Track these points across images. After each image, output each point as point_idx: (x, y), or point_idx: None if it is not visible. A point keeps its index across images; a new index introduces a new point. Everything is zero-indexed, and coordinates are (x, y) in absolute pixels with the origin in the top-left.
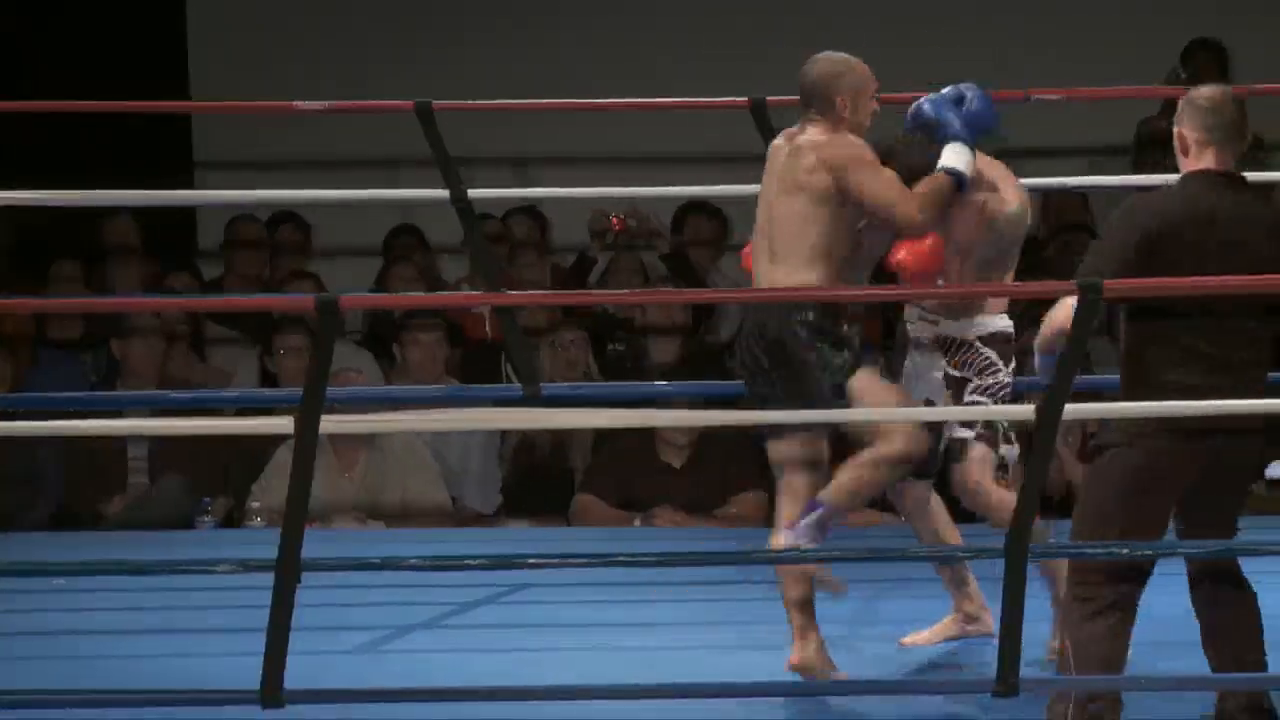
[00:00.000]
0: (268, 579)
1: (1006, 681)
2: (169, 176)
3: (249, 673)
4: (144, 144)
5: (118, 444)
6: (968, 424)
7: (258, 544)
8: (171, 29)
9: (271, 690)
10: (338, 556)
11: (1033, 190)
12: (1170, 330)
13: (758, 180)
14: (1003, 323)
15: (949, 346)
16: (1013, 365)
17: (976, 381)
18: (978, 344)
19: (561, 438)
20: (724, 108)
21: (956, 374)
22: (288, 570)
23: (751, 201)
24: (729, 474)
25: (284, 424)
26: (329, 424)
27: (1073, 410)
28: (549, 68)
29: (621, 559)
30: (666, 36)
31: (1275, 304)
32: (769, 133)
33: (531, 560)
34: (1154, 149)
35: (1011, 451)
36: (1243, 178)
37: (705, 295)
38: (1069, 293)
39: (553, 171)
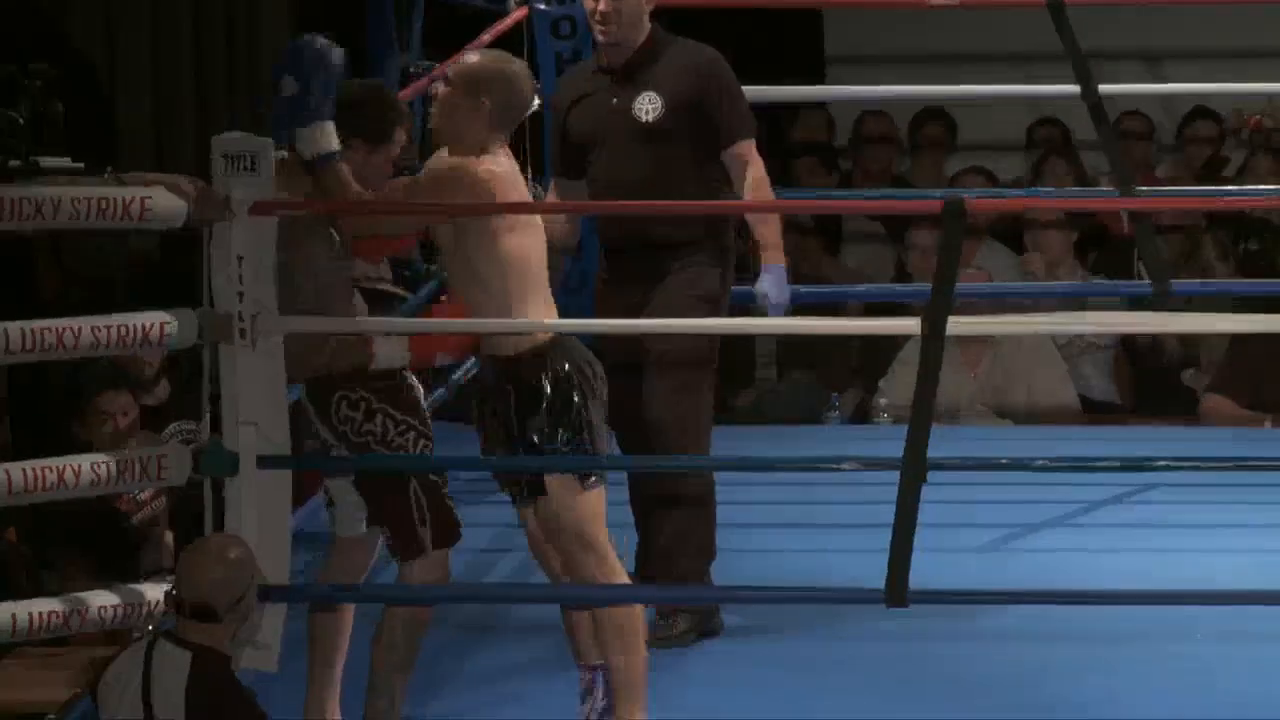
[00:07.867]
0: (893, 476)
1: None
2: (800, 73)
3: (871, 570)
4: (776, 40)
5: (746, 338)
6: None
7: (884, 440)
8: None
9: (896, 590)
10: (963, 455)
11: None
12: None
13: None
14: None
15: None
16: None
17: None
18: None
19: (1193, 337)
20: None
21: None
22: (914, 469)
23: None
24: None
25: (909, 325)
26: (955, 325)
27: None
28: None
29: (1251, 463)
30: None
31: None
32: None
33: (1159, 462)
34: None
35: None
36: None
37: None
38: None
39: (1183, 67)
